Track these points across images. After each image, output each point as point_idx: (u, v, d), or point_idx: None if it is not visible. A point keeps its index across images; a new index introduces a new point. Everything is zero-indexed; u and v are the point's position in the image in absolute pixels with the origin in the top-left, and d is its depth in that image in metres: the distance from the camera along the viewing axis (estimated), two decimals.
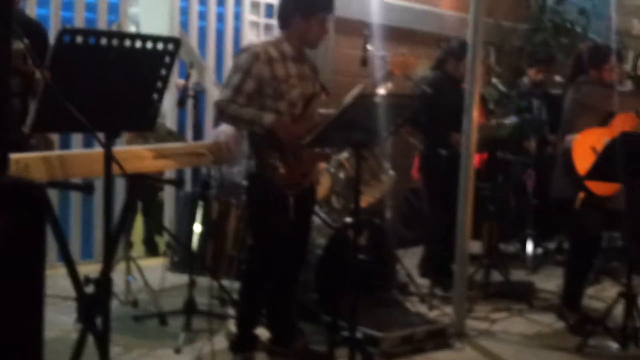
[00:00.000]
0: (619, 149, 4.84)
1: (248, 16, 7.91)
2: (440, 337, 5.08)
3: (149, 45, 3.10)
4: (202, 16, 7.63)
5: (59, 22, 6.53)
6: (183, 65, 6.61)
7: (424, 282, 6.30)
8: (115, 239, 3.46)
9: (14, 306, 2.52)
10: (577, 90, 5.59)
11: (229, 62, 7.66)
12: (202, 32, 7.63)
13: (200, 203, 5.28)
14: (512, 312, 5.96)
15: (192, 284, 5.09)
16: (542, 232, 7.74)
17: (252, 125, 4.29)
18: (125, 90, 3.13)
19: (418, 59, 5.28)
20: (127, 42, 3.03)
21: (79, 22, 6.71)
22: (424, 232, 6.94)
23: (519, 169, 7.54)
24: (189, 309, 5.02)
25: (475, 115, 5.30)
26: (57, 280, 3.87)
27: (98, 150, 3.36)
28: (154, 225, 7.13)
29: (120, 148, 4.55)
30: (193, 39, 7.50)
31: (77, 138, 6.57)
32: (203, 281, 5.36)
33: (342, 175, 5.56)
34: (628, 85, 6.79)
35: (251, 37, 7.79)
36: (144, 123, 3.43)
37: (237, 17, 7.89)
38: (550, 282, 6.83)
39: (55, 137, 4.96)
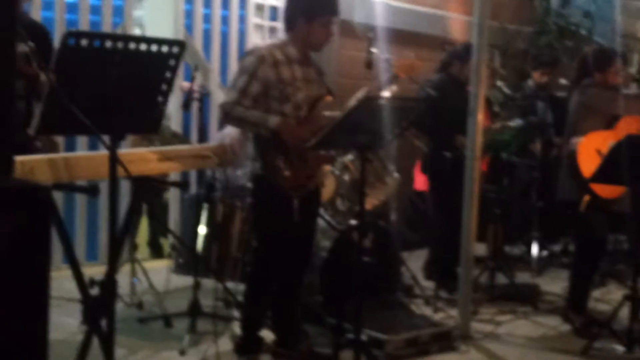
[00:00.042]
0: (624, 152, 4.85)
1: (252, 19, 7.91)
2: (445, 340, 5.07)
3: (154, 48, 3.11)
4: (207, 19, 7.63)
5: (63, 25, 6.53)
6: (188, 68, 6.61)
7: (428, 285, 6.30)
8: (120, 241, 3.46)
9: (19, 308, 2.52)
10: (582, 93, 5.59)
11: (233, 65, 7.66)
12: (207, 35, 7.63)
13: (205, 205, 5.29)
14: (517, 314, 5.96)
15: (196, 286, 5.09)
16: (547, 234, 7.74)
17: (258, 128, 4.29)
18: (130, 93, 3.13)
19: (423, 62, 5.28)
20: (132, 45, 3.04)
21: (84, 24, 6.71)
22: (429, 235, 6.94)
23: (524, 172, 7.54)
24: (194, 311, 5.03)
25: (480, 118, 5.29)
26: (62, 282, 3.86)
27: (103, 152, 3.35)
28: (158, 228, 7.14)
29: (125, 150, 4.55)
30: (198, 42, 7.50)
31: (82, 140, 6.57)
32: (208, 283, 5.37)
33: (346, 177, 5.56)
34: (633, 88, 6.80)
35: (256, 39, 7.79)
36: (148, 126, 3.44)
37: (242, 19, 7.89)
38: (555, 284, 6.83)
39: (60, 140, 4.98)
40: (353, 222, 5.48)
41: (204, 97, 5.63)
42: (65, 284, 3.58)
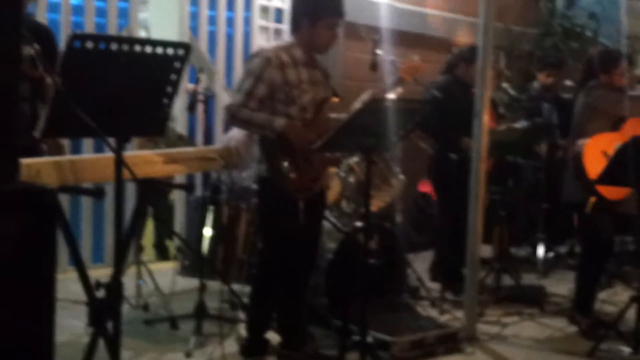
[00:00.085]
0: (630, 153, 4.84)
1: (258, 21, 7.91)
2: (451, 342, 5.07)
3: (159, 50, 3.11)
4: (212, 21, 7.64)
5: (69, 27, 6.54)
6: (193, 70, 6.62)
7: (434, 286, 6.29)
8: (125, 244, 3.46)
9: (25, 310, 2.53)
10: (587, 94, 5.59)
11: (238, 67, 7.67)
12: (212, 37, 7.64)
13: (211, 207, 5.29)
14: (523, 316, 5.95)
15: (202, 288, 5.08)
16: (553, 236, 7.73)
17: (264, 130, 4.29)
18: (136, 96, 3.13)
19: (428, 63, 5.28)
20: (137, 48, 3.04)
21: (89, 27, 6.72)
22: (434, 236, 6.95)
23: (530, 173, 7.54)
24: (200, 313, 5.03)
25: (485, 119, 5.29)
26: (68, 284, 3.87)
27: (109, 155, 3.35)
28: (164, 230, 7.14)
29: (131, 153, 4.56)
30: (203, 44, 7.50)
31: (87, 143, 6.59)
32: (214, 285, 5.36)
33: (352, 179, 5.56)
34: (639, 90, 6.78)
35: (261, 41, 7.79)
36: (154, 128, 3.45)
37: (247, 21, 7.90)
38: (561, 286, 6.82)
39: (66, 142, 4.99)
40: (358, 224, 5.47)
41: (209, 99, 5.62)
42: (71, 286, 3.59)
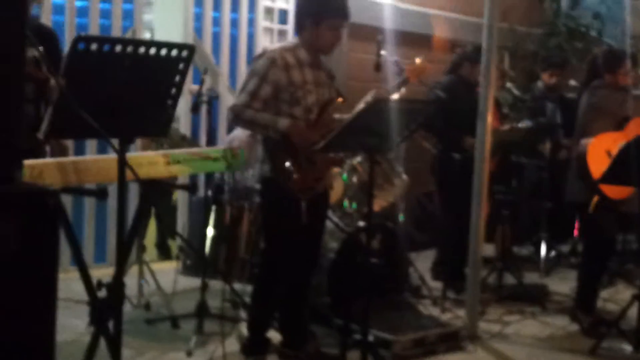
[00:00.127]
0: (634, 153, 4.86)
1: (262, 22, 7.92)
2: (452, 340, 5.09)
3: (163, 52, 3.11)
4: (216, 22, 7.66)
5: (73, 29, 6.57)
6: (197, 71, 6.64)
7: (436, 285, 6.31)
8: (128, 244, 3.49)
9: (26, 310, 2.55)
10: (592, 94, 5.60)
11: (242, 68, 7.70)
12: (216, 38, 7.66)
13: (213, 207, 5.32)
14: (525, 314, 5.97)
15: (204, 288, 5.11)
16: (555, 234, 7.74)
17: (267, 130, 4.31)
18: (139, 97, 3.14)
19: (432, 64, 5.29)
20: (142, 49, 3.05)
21: (94, 28, 6.75)
22: (437, 235, 6.97)
23: (533, 173, 7.55)
24: (201, 312, 5.05)
25: (489, 119, 5.31)
26: (70, 283, 3.90)
27: (112, 156, 3.38)
28: (167, 229, 7.17)
29: (134, 154, 4.58)
30: (207, 45, 7.53)
31: (91, 144, 6.61)
32: (215, 284, 5.39)
33: (355, 179, 5.58)
34: None
35: (265, 43, 7.81)
36: (157, 129, 3.46)
37: (251, 23, 7.91)
38: (563, 284, 6.84)
39: (69, 143, 5.01)
40: (361, 223, 5.50)
41: (213, 100, 5.64)
42: (73, 286, 3.62)
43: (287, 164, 4.31)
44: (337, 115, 4.54)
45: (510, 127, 6.49)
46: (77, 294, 3.70)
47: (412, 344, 4.88)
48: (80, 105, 2.91)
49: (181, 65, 3.21)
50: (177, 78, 3.23)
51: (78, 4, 6.69)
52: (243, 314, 5.25)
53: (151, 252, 6.96)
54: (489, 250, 6.47)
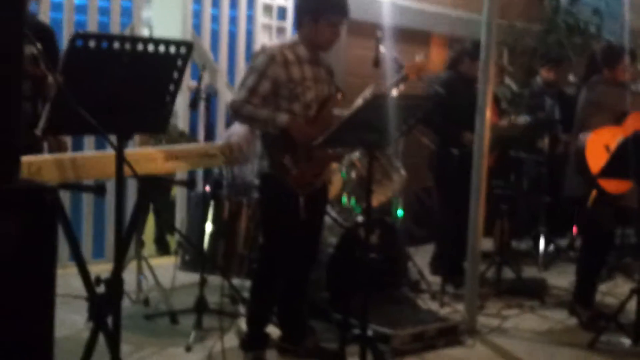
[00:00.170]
0: (632, 148, 4.87)
1: (261, 19, 7.93)
2: (451, 334, 5.10)
3: (162, 49, 3.11)
4: (215, 19, 7.66)
5: (72, 26, 6.57)
6: (196, 68, 6.65)
7: (435, 280, 6.33)
8: (126, 240, 3.50)
9: (25, 305, 2.57)
10: (590, 89, 5.61)
11: (241, 65, 7.71)
12: (215, 35, 7.66)
13: (212, 203, 5.33)
14: (523, 309, 5.99)
15: (203, 283, 5.11)
16: (554, 229, 7.76)
17: (266, 126, 4.31)
18: (138, 94, 3.14)
19: (433, 62, 5.30)
20: (140, 46, 3.04)
21: (92, 25, 6.75)
22: (435, 230, 6.98)
23: (532, 168, 7.56)
24: (200, 307, 5.05)
25: (488, 115, 5.31)
26: (68, 279, 3.92)
27: (110, 152, 3.38)
28: (165, 225, 7.18)
29: (132, 150, 4.59)
30: (206, 42, 7.53)
31: (89, 140, 6.61)
32: (214, 280, 5.40)
33: (353, 174, 5.59)
34: None
35: (263, 39, 7.82)
36: (156, 126, 3.45)
37: (250, 20, 7.92)
38: (562, 279, 6.85)
39: (67, 139, 5.02)
40: (359, 218, 5.51)
41: (211, 97, 5.65)
42: (72, 281, 3.63)
43: (286, 159, 4.32)
44: (336, 112, 4.54)
45: (509, 122, 6.50)
46: (75, 289, 3.72)
47: (411, 338, 4.89)
48: (79, 102, 2.91)
49: (179, 62, 3.20)
50: (175, 75, 3.23)
51: (76, 1, 6.69)
52: (242, 309, 5.24)
53: (150, 247, 6.97)
54: (487, 244, 6.49)
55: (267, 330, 4.65)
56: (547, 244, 7.57)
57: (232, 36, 7.81)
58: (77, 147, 6.34)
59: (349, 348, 4.48)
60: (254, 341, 4.58)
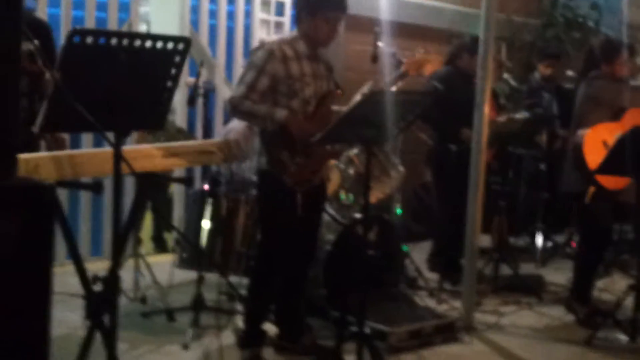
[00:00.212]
0: (630, 144, 4.87)
1: (258, 14, 7.92)
2: (448, 331, 5.11)
3: (159, 45, 3.12)
4: (213, 14, 7.66)
5: (69, 22, 6.57)
6: (194, 63, 6.64)
7: (432, 277, 6.33)
8: (124, 237, 3.49)
9: (22, 304, 2.56)
10: (589, 84, 5.61)
11: (239, 60, 7.70)
12: (213, 31, 7.66)
13: (209, 200, 5.32)
14: (521, 305, 5.99)
15: (200, 280, 5.11)
16: (551, 225, 7.76)
17: (265, 121, 4.30)
18: (135, 90, 3.14)
19: (433, 57, 5.28)
20: (137, 42, 3.05)
21: (90, 21, 6.75)
22: (433, 227, 6.97)
23: (530, 164, 7.56)
24: (197, 305, 5.04)
25: (486, 111, 5.31)
26: (65, 277, 3.91)
27: (108, 149, 3.37)
28: (162, 222, 7.17)
29: (130, 147, 4.58)
30: (204, 38, 7.53)
31: (87, 137, 6.61)
32: (211, 277, 5.39)
33: (351, 171, 5.58)
34: None
35: (262, 35, 7.81)
36: (153, 122, 3.46)
37: (248, 15, 7.91)
38: (559, 275, 6.86)
39: (65, 136, 5.01)
40: (357, 215, 5.50)
41: (209, 93, 5.64)
42: (69, 280, 3.62)
43: (284, 156, 4.31)
44: (335, 108, 4.54)
45: (507, 118, 6.49)
46: (72, 287, 3.70)
47: (408, 335, 4.89)
48: (76, 99, 2.92)
49: (177, 58, 3.21)
50: (173, 71, 3.24)
51: None
52: (239, 306, 5.25)
53: (147, 245, 6.96)
54: (485, 241, 6.48)
55: (265, 328, 4.64)
56: (544, 240, 7.57)
57: (230, 32, 7.81)
58: (75, 144, 6.33)
59: (346, 345, 4.48)
60: (251, 339, 4.57)
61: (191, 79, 6.41)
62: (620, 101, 5.48)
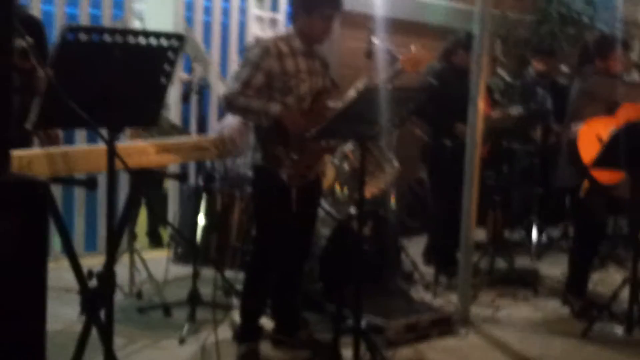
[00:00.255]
0: (624, 138, 4.88)
1: (253, 11, 7.92)
2: (444, 325, 5.12)
3: (153, 41, 3.11)
4: (207, 11, 7.65)
5: (63, 18, 6.56)
6: (188, 60, 6.63)
7: (428, 270, 6.34)
8: (118, 233, 3.49)
9: (17, 300, 2.56)
10: (583, 80, 5.63)
11: (233, 57, 7.70)
12: (207, 27, 7.65)
13: (204, 196, 5.33)
14: (516, 298, 6.02)
15: (196, 275, 5.12)
16: (546, 219, 7.77)
17: (260, 116, 4.30)
18: (129, 87, 3.13)
19: (430, 53, 5.28)
20: (131, 39, 3.04)
21: (84, 18, 6.74)
22: (428, 221, 6.98)
23: (525, 158, 7.57)
24: (193, 300, 5.06)
25: (480, 106, 5.32)
26: (61, 272, 3.91)
27: (102, 145, 3.37)
28: (157, 218, 7.17)
29: (124, 143, 4.57)
30: (198, 34, 7.52)
31: (81, 133, 6.60)
32: (207, 272, 5.40)
33: (346, 166, 5.58)
34: (634, 75, 6.81)
35: (256, 31, 7.81)
36: (147, 119, 3.46)
37: (242, 11, 7.91)
38: (554, 268, 6.87)
39: (59, 132, 5.01)
40: (352, 210, 5.51)
41: (204, 89, 5.64)
42: (64, 275, 3.62)
43: (279, 151, 4.31)
44: (331, 104, 4.54)
45: (502, 113, 6.50)
46: (67, 282, 3.71)
47: (404, 329, 4.91)
48: (70, 96, 2.91)
49: (171, 55, 3.20)
50: (167, 67, 3.23)
51: None
52: (235, 301, 5.24)
53: (142, 240, 6.96)
54: (480, 235, 6.50)
55: (261, 322, 4.65)
56: (539, 234, 7.59)
57: (225, 28, 7.80)
58: (69, 140, 6.32)
59: (342, 339, 4.48)
60: (247, 333, 4.58)
61: (185, 75, 6.43)
62: (614, 96, 5.49)
